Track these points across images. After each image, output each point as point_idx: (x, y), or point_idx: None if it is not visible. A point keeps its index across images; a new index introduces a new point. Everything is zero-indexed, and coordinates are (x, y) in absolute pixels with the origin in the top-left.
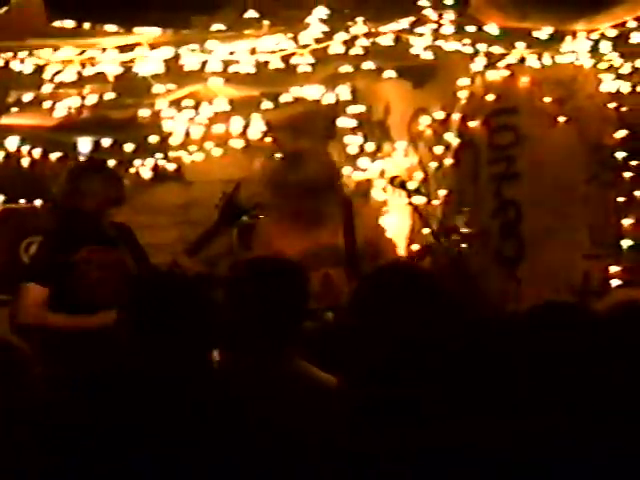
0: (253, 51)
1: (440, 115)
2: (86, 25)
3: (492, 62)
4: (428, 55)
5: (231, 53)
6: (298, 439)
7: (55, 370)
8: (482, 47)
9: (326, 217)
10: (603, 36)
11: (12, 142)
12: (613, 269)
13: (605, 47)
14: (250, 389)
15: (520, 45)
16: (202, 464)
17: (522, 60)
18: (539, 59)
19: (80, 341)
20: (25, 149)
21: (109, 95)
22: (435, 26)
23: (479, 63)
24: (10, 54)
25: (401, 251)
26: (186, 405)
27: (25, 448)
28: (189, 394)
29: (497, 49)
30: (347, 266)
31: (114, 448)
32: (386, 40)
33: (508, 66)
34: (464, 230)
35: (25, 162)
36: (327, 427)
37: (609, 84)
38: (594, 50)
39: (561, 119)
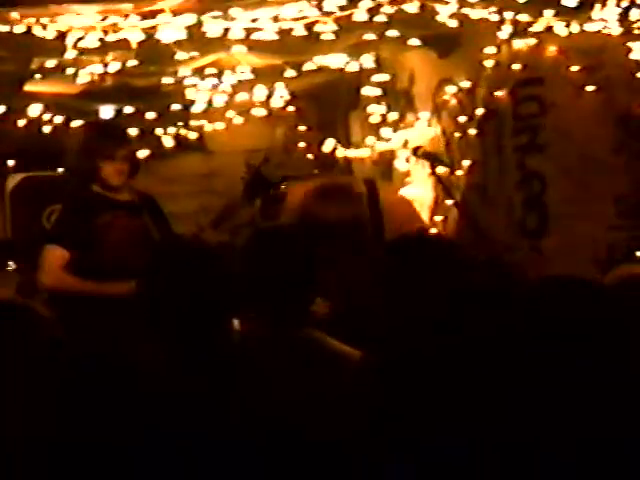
0: (276, 18)
1: (465, 85)
2: None
3: (519, 30)
4: (453, 23)
5: (254, 20)
6: (316, 410)
7: (75, 335)
8: (509, 15)
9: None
10: (633, 3)
11: (35, 109)
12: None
13: (635, 14)
14: (269, 358)
15: (548, 13)
16: (224, 434)
17: (549, 28)
18: (567, 27)
19: (100, 306)
20: (47, 117)
21: (132, 62)
22: None
23: (505, 31)
24: (32, 20)
25: (424, 222)
26: (206, 375)
27: (42, 413)
28: (209, 364)
29: (524, 17)
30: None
31: (134, 414)
32: (411, 8)
33: (535, 34)
34: None
35: (47, 130)
36: (346, 398)
37: (638, 53)
38: (624, 17)
39: (589, 88)
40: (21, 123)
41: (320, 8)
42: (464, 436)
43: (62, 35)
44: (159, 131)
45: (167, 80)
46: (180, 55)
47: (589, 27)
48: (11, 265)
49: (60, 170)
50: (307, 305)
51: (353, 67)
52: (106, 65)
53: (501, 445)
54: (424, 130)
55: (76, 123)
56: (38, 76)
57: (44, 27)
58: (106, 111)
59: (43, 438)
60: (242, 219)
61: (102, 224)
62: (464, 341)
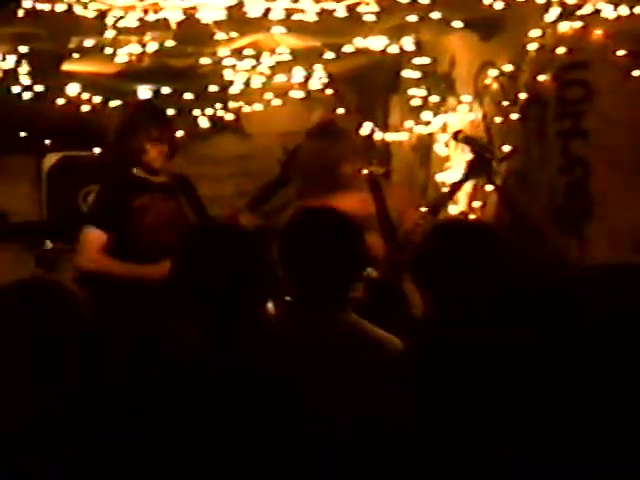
0: None
1: (508, 68)
2: None
3: (566, 13)
4: (499, 5)
5: (295, 1)
6: (351, 394)
7: (109, 317)
8: None
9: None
10: None
11: (73, 89)
12: None
13: None
14: (304, 343)
15: None
16: (257, 417)
17: (597, 11)
18: (615, 10)
19: (138, 290)
20: (85, 96)
21: (170, 43)
22: None
23: (552, 14)
24: None
25: (462, 207)
26: (240, 359)
27: (70, 391)
28: (242, 347)
29: None
30: (383, 232)
31: (164, 397)
32: None
33: (582, 17)
34: None
35: (85, 109)
36: (383, 384)
37: None
38: None
39: (635, 73)
40: (59, 102)
41: None
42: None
43: (102, 14)
44: (196, 112)
45: (205, 61)
46: (219, 35)
47: (638, 10)
48: (48, 244)
49: (97, 150)
50: (344, 290)
51: (393, 50)
52: (144, 45)
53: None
54: (465, 114)
55: (114, 103)
56: (76, 55)
57: (85, 6)
58: (144, 91)
59: (72, 415)
60: (279, 202)
61: (140, 206)
62: (514, 333)
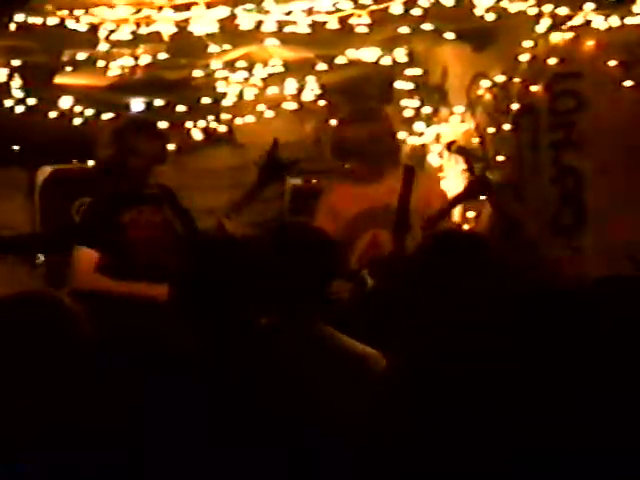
0: (310, 11)
1: (500, 79)
2: None
3: (557, 24)
4: (491, 17)
5: (287, 13)
6: (326, 409)
7: (105, 332)
8: (548, 8)
9: (383, 175)
10: None
11: (65, 102)
12: None
13: None
14: (284, 351)
15: (588, 6)
16: (243, 425)
17: (588, 22)
18: (606, 20)
19: (131, 307)
20: (78, 109)
21: (163, 55)
22: None
23: (543, 25)
24: (66, 12)
25: (456, 218)
26: (231, 370)
27: (69, 404)
28: (236, 360)
29: (563, 10)
30: (395, 229)
31: (159, 408)
32: (448, 1)
33: (573, 28)
34: None
35: (77, 122)
36: (360, 398)
37: None
38: None
39: (626, 84)
40: (52, 115)
41: (355, 1)
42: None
43: (95, 27)
44: (189, 124)
45: (198, 73)
46: (212, 48)
47: (629, 21)
48: (40, 258)
49: (90, 163)
50: (321, 300)
51: (386, 61)
52: (137, 58)
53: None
54: (458, 125)
55: (107, 116)
56: (69, 68)
57: (77, 19)
58: (136, 104)
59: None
60: (271, 213)
61: (129, 221)
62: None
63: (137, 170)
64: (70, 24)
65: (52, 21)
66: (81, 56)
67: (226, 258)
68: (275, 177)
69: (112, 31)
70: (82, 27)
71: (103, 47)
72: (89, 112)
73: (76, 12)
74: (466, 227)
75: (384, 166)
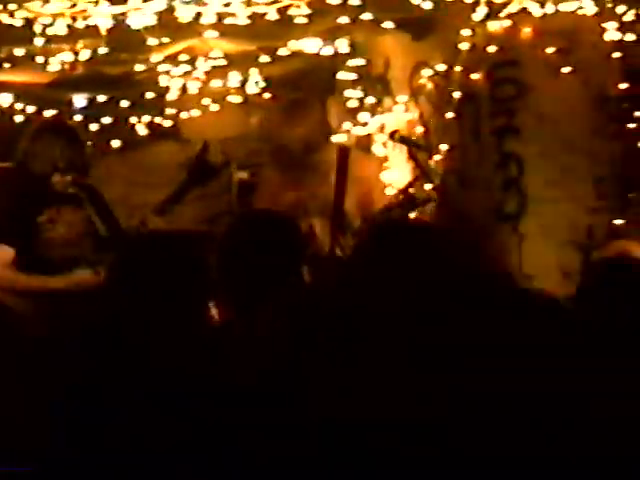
0: (249, 3)
1: (441, 68)
2: None
3: (493, 11)
4: (428, 5)
5: (226, 5)
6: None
7: (42, 331)
8: None
9: (319, 164)
10: None
11: (5, 99)
12: (618, 222)
13: None
14: (229, 346)
15: None
16: (199, 424)
17: (524, 9)
18: (542, 7)
19: (55, 301)
20: (19, 106)
21: (102, 50)
22: None
23: (480, 13)
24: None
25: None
26: (181, 366)
27: (16, 407)
28: (184, 354)
29: None
30: (332, 217)
31: (108, 408)
32: None
33: (510, 16)
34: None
35: (19, 120)
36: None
37: (613, 33)
38: None
39: (564, 70)
40: None
41: None
42: None
43: (30, 22)
44: (133, 120)
45: (139, 67)
46: (151, 41)
47: (564, 7)
48: None
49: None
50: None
51: (328, 52)
52: (76, 53)
53: None
54: (402, 114)
55: (48, 113)
56: (7, 65)
57: (11, 14)
58: (79, 100)
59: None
60: (219, 207)
61: (46, 220)
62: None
63: (38, 173)
64: (4, 19)
65: None
66: (19, 52)
67: (174, 255)
68: (203, 180)
69: (48, 25)
70: (17, 22)
71: (39, 42)
72: (30, 109)
73: (10, 6)
74: (412, 216)
75: (319, 154)
